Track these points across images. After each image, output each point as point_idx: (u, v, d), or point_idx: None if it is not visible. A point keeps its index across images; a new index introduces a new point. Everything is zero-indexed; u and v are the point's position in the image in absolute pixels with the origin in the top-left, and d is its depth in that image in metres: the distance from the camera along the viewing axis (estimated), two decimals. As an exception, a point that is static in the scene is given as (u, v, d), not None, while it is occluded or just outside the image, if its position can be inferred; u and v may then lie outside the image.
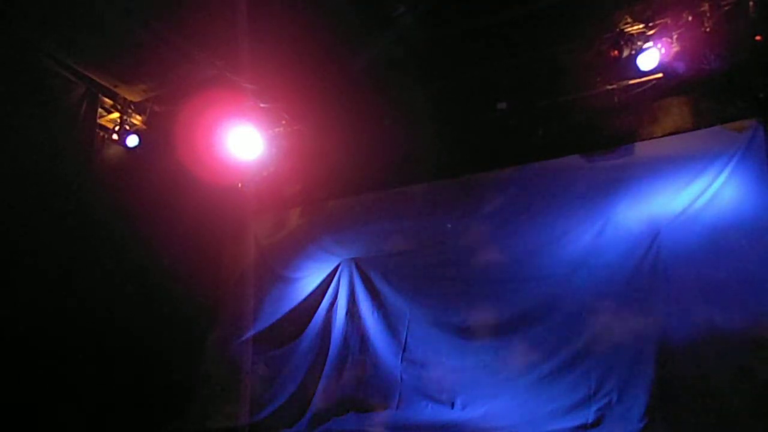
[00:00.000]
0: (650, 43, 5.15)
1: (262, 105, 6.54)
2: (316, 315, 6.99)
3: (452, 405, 5.92)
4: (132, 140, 6.60)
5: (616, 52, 5.32)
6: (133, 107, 6.71)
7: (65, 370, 5.58)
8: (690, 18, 4.95)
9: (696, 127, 5.49)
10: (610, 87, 5.70)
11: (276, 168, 7.21)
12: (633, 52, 5.22)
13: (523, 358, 5.73)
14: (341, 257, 7.14)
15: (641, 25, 5.19)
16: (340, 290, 7.01)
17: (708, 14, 4.88)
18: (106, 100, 6.47)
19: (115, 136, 6.65)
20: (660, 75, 5.33)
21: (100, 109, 6.43)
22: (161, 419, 6.51)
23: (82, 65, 5.92)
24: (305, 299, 7.13)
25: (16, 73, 5.39)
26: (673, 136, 5.59)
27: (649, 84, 5.51)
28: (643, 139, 5.71)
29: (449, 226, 6.52)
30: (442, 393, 6.03)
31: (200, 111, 6.45)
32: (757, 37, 4.85)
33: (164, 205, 6.85)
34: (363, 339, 6.71)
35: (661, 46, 5.12)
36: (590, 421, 5.15)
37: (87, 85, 6.11)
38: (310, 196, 7.52)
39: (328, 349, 6.74)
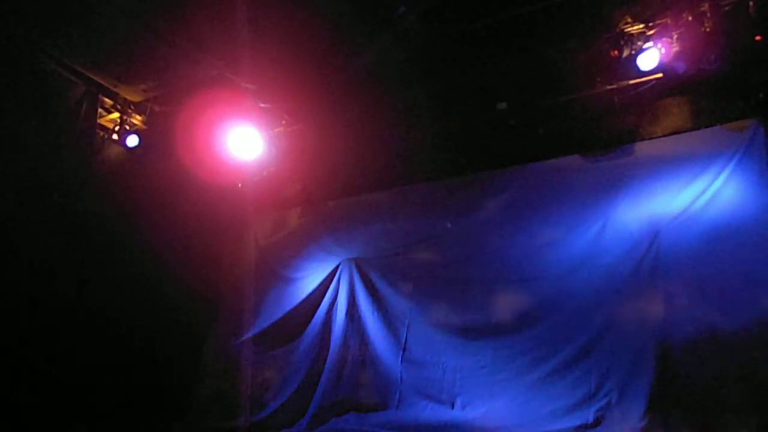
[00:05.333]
0: (650, 43, 5.15)
1: (262, 105, 6.54)
2: (316, 315, 6.99)
3: (452, 405, 5.92)
4: (132, 140, 6.60)
5: (616, 52, 5.32)
6: (133, 107, 6.71)
7: (65, 370, 5.58)
8: (690, 18, 4.94)
9: (696, 127, 5.48)
10: (610, 87, 5.68)
11: (276, 168, 7.21)
12: (633, 52, 5.22)
13: (523, 358, 5.73)
14: (341, 257, 7.14)
15: (641, 25, 5.19)
16: (340, 290, 7.00)
17: (708, 14, 4.87)
18: (106, 100, 6.48)
19: (115, 136, 6.66)
20: (660, 75, 5.32)
21: (100, 109, 6.44)
22: (161, 419, 6.50)
23: (82, 65, 5.92)
24: (305, 299, 7.12)
25: (16, 73, 5.39)
26: (673, 136, 5.58)
27: (649, 84, 5.50)
28: (643, 139, 5.70)
29: (449, 225, 6.52)
30: (442, 393, 6.03)
31: (200, 111, 6.45)
32: (757, 37, 4.84)
33: (164, 205, 6.85)
34: (363, 339, 6.71)
35: (661, 46, 5.11)
36: (590, 421, 5.15)
37: (87, 85, 6.12)
38: (310, 196, 7.52)
39: (328, 349, 6.74)
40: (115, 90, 6.45)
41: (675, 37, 5.07)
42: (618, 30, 5.25)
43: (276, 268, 7.47)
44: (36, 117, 5.59)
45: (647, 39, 5.17)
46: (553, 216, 5.91)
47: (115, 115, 6.67)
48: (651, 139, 5.69)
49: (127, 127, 6.66)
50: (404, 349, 6.42)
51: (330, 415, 6.34)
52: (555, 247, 5.84)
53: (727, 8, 4.84)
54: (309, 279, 7.24)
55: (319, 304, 7.02)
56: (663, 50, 5.11)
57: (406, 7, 4.91)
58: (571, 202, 5.84)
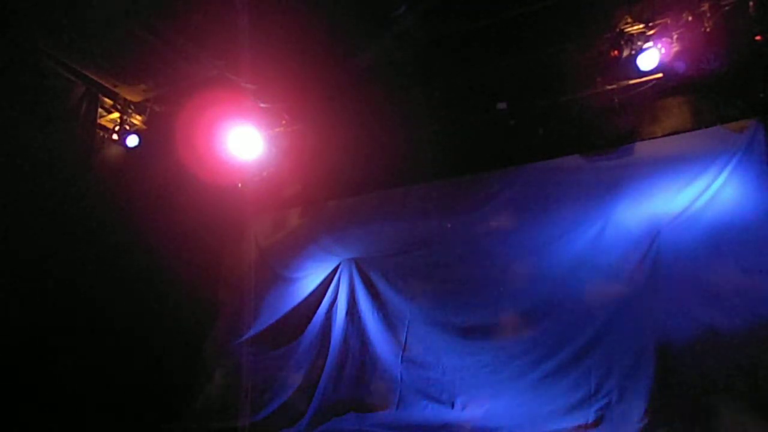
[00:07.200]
0: (650, 43, 5.15)
1: (262, 105, 6.54)
2: (316, 315, 6.99)
3: (452, 405, 5.92)
4: (132, 140, 6.60)
5: (616, 52, 5.32)
6: (133, 107, 6.71)
7: (65, 370, 5.58)
8: (690, 18, 4.95)
9: (696, 127, 5.49)
10: (610, 87, 5.69)
11: (276, 168, 7.20)
12: (633, 52, 5.22)
13: (523, 358, 5.73)
14: (341, 257, 7.14)
15: (641, 25, 5.19)
16: (340, 290, 7.00)
17: (708, 14, 4.88)
18: (106, 100, 6.48)
19: (115, 136, 6.65)
20: (660, 75, 5.33)
21: (100, 109, 6.43)
22: (161, 419, 6.51)
23: (82, 65, 5.92)
24: (305, 299, 7.12)
25: (16, 73, 5.39)
26: (673, 136, 5.60)
27: (649, 84, 5.51)
28: (643, 139, 5.71)
29: (449, 226, 6.52)
30: (442, 393, 6.03)
31: (200, 111, 6.45)
32: (757, 37, 4.85)
33: (164, 205, 6.85)
34: (363, 339, 6.71)
35: (661, 46, 5.12)
36: (590, 421, 5.16)
37: (87, 85, 6.12)
38: (310, 196, 7.51)
39: (328, 349, 6.74)
40: (115, 90, 6.44)
41: (675, 37, 5.08)
42: (618, 30, 5.25)
43: (276, 268, 7.47)
44: (36, 117, 5.58)
45: (647, 39, 5.18)
46: (553, 216, 5.91)
47: (115, 115, 6.67)
48: (651, 139, 5.70)
49: (127, 127, 6.66)
50: (404, 349, 6.42)
51: (330, 415, 6.33)
52: (555, 247, 5.84)
53: (727, 8, 4.85)
54: (309, 279, 7.24)
55: (319, 304, 7.02)
56: (663, 50, 5.12)
57: (406, 7, 4.91)
58: (571, 202, 5.85)
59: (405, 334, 6.49)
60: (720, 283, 4.95)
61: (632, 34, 5.23)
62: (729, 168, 5.13)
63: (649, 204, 5.47)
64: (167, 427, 6.55)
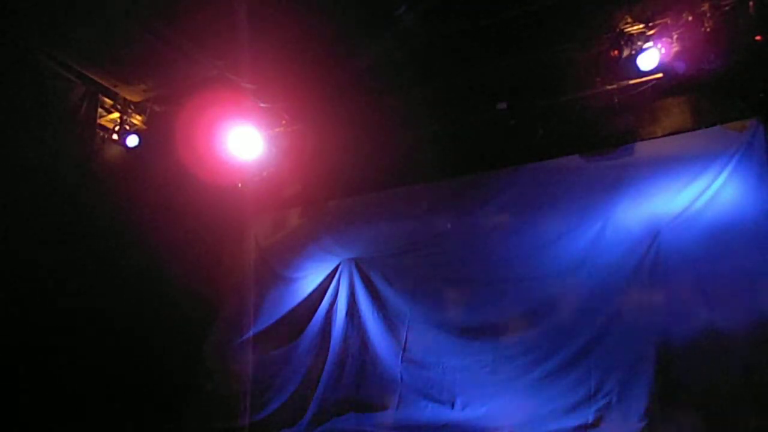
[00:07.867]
0: (650, 43, 5.16)
1: (262, 105, 6.54)
2: (316, 315, 6.99)
3: (452, 405, 5.92)
4: (132, 140, 6.60)
5: (616, 52, 5.33)
6: (133, 107, 6.70)
7: (64, 370, 5.58)
8: (690, 18, 4.95)
9: (696, 127, 5.50)
10: (610, 87, 5.69)
11: (276, 168, 7.21)
12: (633, 52, 5.22)
13: (523, 358, 5.73)
14: (341, 257, 7.14)
15: (641, 25, 5.20)
16: (340, 290, 7.00)
17: (708, 14, 4.88)
18: (106, 100, 6.47)
19: (115, 136, 6.65)
20: (660, 75, 5.33)
21: (100, 109, 6.43)
22: (161, 419, 6.50)
23: (82, 65, 5.92)
24: (305, 299, 7.12)
25: (16, 73, 5.39)
26: (673, 136, 5.60)
27: (649, 84, 5.51)
28: (643, 139, 5.72)
29: (449, 226, 6.52)
30: (442, 393, 6.03)
31: (200, 111, 6.44)
32: (757, 37, 4.85)
33: (164, 205, 6.85)
34: (363, 339, 6.71)
35: (661, 46, 5.12)
36: (590, 421, 5.16)
37: (87, 85, 6.11)
38: (310, 196, 7.51)
39: (328, 349, 6.74)
40: (115, 90, 6.44)
41: (675, 37, 5.08)
42: (618, 30, 5.26)
43: (276, 268, 7.47)
44: (36, 117, 5.58)
45: (647, 39, 5.18)
46: (553, 216, 5.91)
47: (115, 115, 6.66)
48: (651, 139, 5.71)
49: (127, 127, 6.65)
50: (404, 349, 6.42)
51: (330, 415, 6.33)
52: (555, 247, 5.84)
53: (727, 8, 4.85)
54: (309, 279, 7.24)
55: (319, 304, 7.01)
56: (663, 50, 5.12)
57: (406, 6, 4.91)
58: (571, 202, 5.85)
59: (405, 334, 6.48)
60: (720, 283, 4.95)
61: (632, 34, 5.23)
62: (729, 168, 5.13)
63: (649, 204, 5.47)
64: (167, 427, 6.55)
